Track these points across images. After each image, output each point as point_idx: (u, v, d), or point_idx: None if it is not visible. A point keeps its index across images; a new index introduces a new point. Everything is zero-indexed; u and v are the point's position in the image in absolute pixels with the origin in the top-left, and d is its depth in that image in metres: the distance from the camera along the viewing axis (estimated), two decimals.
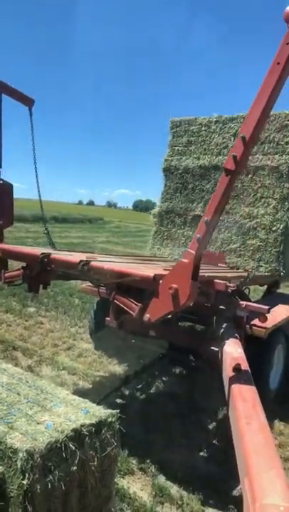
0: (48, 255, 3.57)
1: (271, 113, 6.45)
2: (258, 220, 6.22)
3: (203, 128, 7.14)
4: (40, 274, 3.80)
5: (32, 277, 3.87)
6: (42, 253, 3.61)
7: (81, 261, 3.29)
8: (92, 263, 3.31)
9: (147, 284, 3.02)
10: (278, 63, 2.37)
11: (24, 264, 3.88)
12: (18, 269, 3.92)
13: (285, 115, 6.25)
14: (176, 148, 7.49)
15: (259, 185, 6.27)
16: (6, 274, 3.98)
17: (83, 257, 3.51)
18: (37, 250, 3.89)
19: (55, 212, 37.73)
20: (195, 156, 7.17)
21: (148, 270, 3.27)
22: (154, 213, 7.71)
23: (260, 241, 6.18)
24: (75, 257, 3.59)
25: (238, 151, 2.50)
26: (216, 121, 7.03)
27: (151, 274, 2.96)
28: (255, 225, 6.24)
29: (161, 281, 2.89)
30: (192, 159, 7.21)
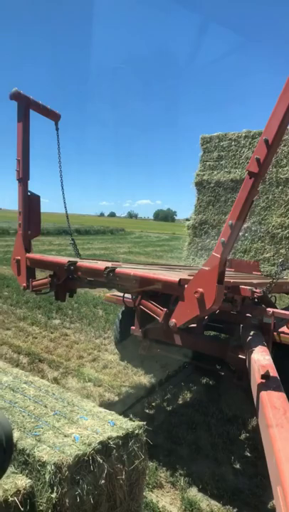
0: (74, 263, 3.62)
1: None
2: None
3: (233, 143, 7.42)
4: (66, 282, 3.85)
5: (59, 285, 3.92)
6: (69, 261, 3.66)
7: (107, 267, 3.32)
8: (118, 269, 3.32)
9: (173, 289, 3.01)
10: None
11: (51, 273, 3.94)
12: (46, 278, 3.97)
13: None
14: (208, 163, 7.80)
15: None
16: (34, 283, 4.05)
17: (109, 264, 3.53)
18: (64, 259, 3.94)
19: (78, 224, 38.31)
20: (226, 170, 7.46)
21: (173, 275, 3.25)
22: (188, 225, 8.02)
23: None
24: (101, 264, 3.61)
25: (261, 154, 2.47)
26: (245, 136, 7.26)
27: (177, 279, 2.94)
28: (287, 235, 6.47)
29: (186, 286, 2.86)
30: (223, 173, 7.50)
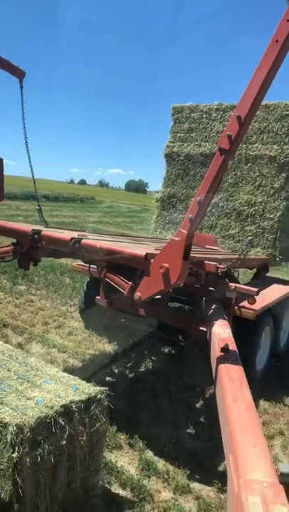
0: (38, 232, 3.55)
1: (270, 103, 6.60)
2: (256, 207, 6.54)
3: (204, 115, 7.25)
4: (30, 250, 3.78)
5: (22, 254, 3.85)
6: (33, 229, 3.59)
7: (72, 238, 3.28)
8: (84, 241, 3.30)
9: (139, 263, 3.03)
10: (277, 41, 2.33)
11: (15, 241, 3.85)
12: (9, 246, 3.89)
13: (284, 105, 6.39)
14: (178, 134, 7.61)
15: (258, 173, 6.55)
16: None
17: (75, 234, 3.49)
18: (28, 227, 3.85)
19: (47, 190, 37.32)
20: (196, 143, 7.33)
21: (140, 249, 3.27)
22: (156, 198, 7.92)
23: (257, 227, 6.48)
24: (67, 234, 3.57)
25: (233, 131, 2.47)
26: (217, 109, 7.13)
27: (143, 253, 2.96)
28: (254, 212, 6.54)
29: (152, 261, 2.89)
30: (193, 146, 7.36)
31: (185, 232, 2.68)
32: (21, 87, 4.24)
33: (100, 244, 3.28)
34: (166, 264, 2.77)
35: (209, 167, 2.62)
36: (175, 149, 7.55)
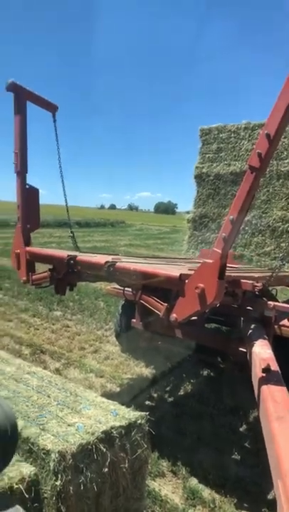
0: (74, 257, 3.63)
1: None
2: None
3: (232, 135, 7.35)
4: (66, 275, 3.86)
5: (59, 279, 3.93)
6: (68, 255, 3.67)
7: (107, 262, 3.32)
8: (118, 264, 3.33)
9: (173, 284, 3.01)
10: None
11: (51, 267, 3.95)
12: (46, 272, 3.99)
13: None
14: (207, 155, 7.74)
15: None
16: (34, 277, 4.06)
17: (109, 258, 3.53)
18: (64, 253, 3.94)
19: (79, 217, 38.26)
20: (226, 162, 7.42)
21: (174, 270, 3.26)
22: (188, 219, 8.01)
23: None
24: (101, 258, 3.62)
25: (263, 148, 2.46)
26: (245, 128, 7.20)
27: (177, 274, 2.95)
28: (288, 229, 6.44)
29: (187, 281, 2.88)
30: (223, 166, 7.45)
31: (219, 251, 2.66)
32: (54, 121, 4.37)
33: (134, 267, 3.30)
34: (201, 285, 2.74)
35: (240, 185, 2.61)
36: (204, 170, 7.65)
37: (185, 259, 6.89)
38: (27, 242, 4.20)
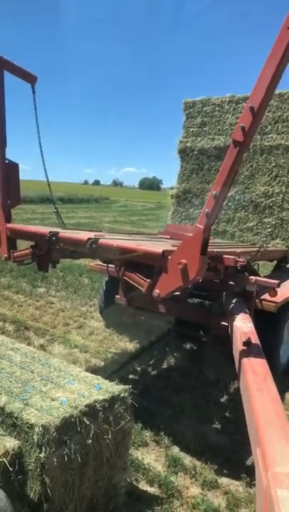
0: (56, 234, 3.58)
1: (284, 92, 6.50)
2: (274, 198, 6.45)
3: (216, 108, 7.20)
4: (49, 252, 3.82)
5: (41, 256, 3.90)
6: (50, 232, 3.62)
7: (89, 238, 3.30)
8: (101, 240, 3.31)
9: (156, 260, 3.02)
10: (288, 28, 2.27)
11: (33, 243, 3.90)
12: (27, 249, 3.94)
13: None
14: (191, 129, 7.58)
15: (274, 164, 6.47)
16: (16, 254, 4.02)
17: (91, 235, 3.51)
18: (45, 229, 3.89)
19: (62, 192, 37.68)
20: (210, 137, 7.29)
21: (157, 246, 3.26)
22: (171, 194, 7.90)
23: (276, 218, 6.40)
24: (84, 235, 3.59)
25: (247, 122, 2.43)
26: (230, 101, 7.06)
27: (160, 250, 2.95)
28: (271, 204, 6.45)
29: (169, 257, 2.88)
30: (207, 140, 7.32)
31: (202, 227, 2.66)
32: (34, 92, 4.23)
33: (117, 243, 3.29)
34: (184, 260, 2.75)
35: (224, 160, 2.59)
36: (188, 144, 7.53)
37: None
38: (8, 219, 4.11)
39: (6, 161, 4.06)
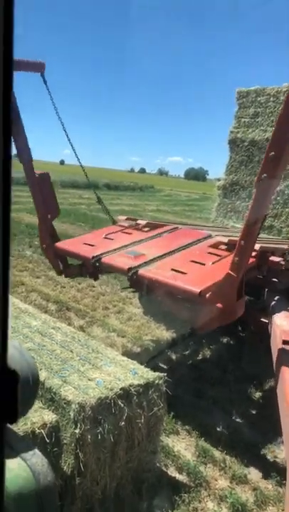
0: (99, 259, 3.72)
1: None
2: None
3: (271, 99, 6.94)
4: (95, 270, 4.03)
5: (89, 273, 4.16)
6: (93, 256, 3.77)
7: (130, 268, 3.36)
8: (141, 272, 3.35)
9: (192, 299, 3.12)
10: None
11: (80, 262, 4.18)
12: (76, 267, 4.25)
13: None
14: (243, 120, 7.38)
15: None
16: (67, 271, 4.33)
17: (135, 263, 3.52)
18: (90, 251, 3.95)
19: (107, 179, 38.05)
20: (262, 128, 7.04)
21: (194, 282, 3.19)
22: (218, 186, 7.76)
23: None
24: (125, 262, 3.61)
25: None
26: (286, 91, 6.77)
27: (197, 290, 2.99)
28: None
29: (207, 296, 2.98)
30: (259, 132, 7.09)
31: (235, 275, 2.75)
32: (45, 82, 4.02)
33: (156, 278, 3.32)
34: (220, 305, 2.89)
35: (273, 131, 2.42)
36: (239, 135, 7.33)
37: (220, 227, 6.78)
38: (52, 235, 4.24)
39: (36, 175, 4.01)
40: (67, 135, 4.36)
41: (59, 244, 4.24)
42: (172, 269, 3.41)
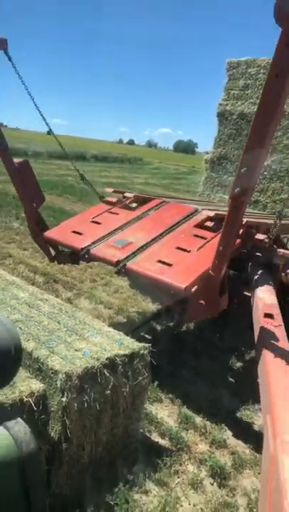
0: (88, 251, 3.72)
1: None
2: None
3: (262, 70, 6.75)
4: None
5: (78, 260, 4.19)
6: (82, 248, 3.77)
7: (118, 261, 3.37)
8: (129, 265, 3.37)
9: (178, 294, 3.20)
10: None
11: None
12: (67, 254, 4.27)
13: None
14: (232, 91, 7.20)
15: None
16: (59, 257, 4.36)
17: (122, 256, 3.55)
18: (79, 241, 3.93)
19: (95, 150, 37.35)
20: (251, 101, 6.86)
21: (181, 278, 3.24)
22: (205, 159, 7.64)
23: None
24: (113, 254, 3.62)
25: None
26: None
27: (183, 286, 3.05)
28: None
29: (193, 291, 3.10)
30: (248, 104, 6.93)
31: (213, 274, 2.93)
32: (10, 59, 3.72)
33: (143, 272, 3.36)
34: (203, 302, 3.05)
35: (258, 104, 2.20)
36: (228, 108, 7.20)
37: (204, 201, 6.79)
38: (39, 224, 4.23)
39: (16, 165, 3.93)
40: (39, 111, 4.18)
41: (48, 234, 4.22)
42: (159, 261, 3.46)
